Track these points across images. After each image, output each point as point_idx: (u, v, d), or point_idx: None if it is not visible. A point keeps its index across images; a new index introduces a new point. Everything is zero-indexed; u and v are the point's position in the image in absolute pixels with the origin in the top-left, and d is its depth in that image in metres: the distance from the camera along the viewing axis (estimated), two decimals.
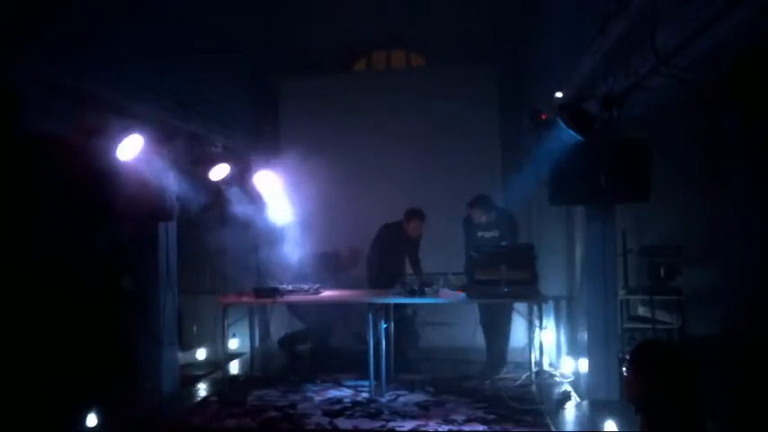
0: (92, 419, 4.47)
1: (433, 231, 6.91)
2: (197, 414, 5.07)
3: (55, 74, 3.93)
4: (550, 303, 6.16)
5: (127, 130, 4.56)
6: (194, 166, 5.78)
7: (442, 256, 6.70)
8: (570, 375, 5.76)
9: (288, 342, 6.93)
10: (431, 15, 7.47)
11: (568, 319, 6.19)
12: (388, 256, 6.41)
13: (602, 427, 4.32)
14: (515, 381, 5.66)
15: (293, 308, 6.93)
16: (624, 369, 2.14)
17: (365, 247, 6.73)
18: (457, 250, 6.34)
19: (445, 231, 6.83)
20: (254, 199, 6.72)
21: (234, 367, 6.68)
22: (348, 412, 4.93)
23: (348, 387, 5.67)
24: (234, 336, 6.70)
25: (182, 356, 6.14)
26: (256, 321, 7.27)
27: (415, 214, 6.36)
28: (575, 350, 5.78)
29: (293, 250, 6.67)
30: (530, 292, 5.20)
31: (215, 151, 6.09)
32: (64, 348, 4.70)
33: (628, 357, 2.13)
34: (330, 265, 6.67)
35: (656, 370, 2.01)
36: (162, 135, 4.98)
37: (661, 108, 4.27)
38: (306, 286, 5.87)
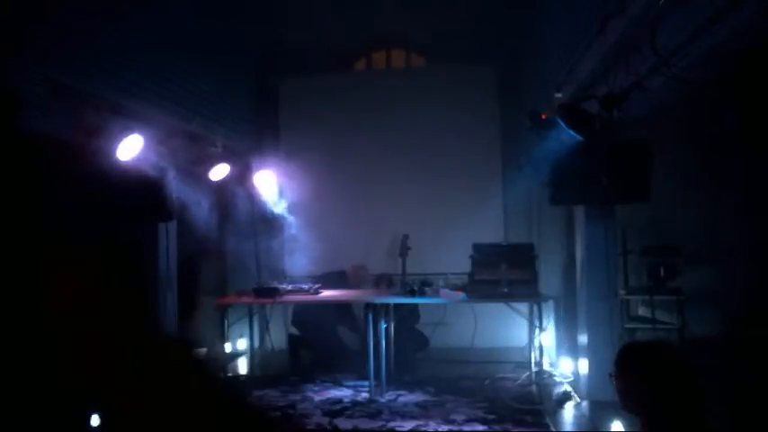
0: (92, 420, 4.47)
1: (433, 231, 6.92)
2: None
3: (55, 74, 3.92)
4: (550, 303, 6.16)
5: (127, 130, 4.56)
6: (194, 166, 5.78)
7: (441, 256, 6.71)
8: (570, 375, 5.76)
9: (295, 343, 6.87)
10: (431, 15, 7.47)
11: (568, 319, 6.19)
12: None
13: (604, 427, 4.32)
14: (515, 381, 5.67)
15: (293, 320, 6.91)
16: (610, 376, 2.06)
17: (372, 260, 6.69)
18: (456, 250, 6.34)
19: (445, 231, 6.83)
20: (254, 199, 6.73)
21: (234, 367, 6.67)
22: (348, 412, 4.94)
23: (348, 387, 5.67)
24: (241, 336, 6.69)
25: None
26: (256, 321, 7.25)
27: None
28: (574, 350, 5.78)
29: (292, 249, 6.67)
30: (530, 291, 5.20)
31: (215, 151, 6.09)
32: (63, 348, 4.70)
33: (613, 365, 2.04)
34: (338, 284, 6.55)
35: (640, 370, 1.96)
36: (162, 135, 4.99)
37: (661, 108, 4.26)
38: (306, 286, 5.87)
